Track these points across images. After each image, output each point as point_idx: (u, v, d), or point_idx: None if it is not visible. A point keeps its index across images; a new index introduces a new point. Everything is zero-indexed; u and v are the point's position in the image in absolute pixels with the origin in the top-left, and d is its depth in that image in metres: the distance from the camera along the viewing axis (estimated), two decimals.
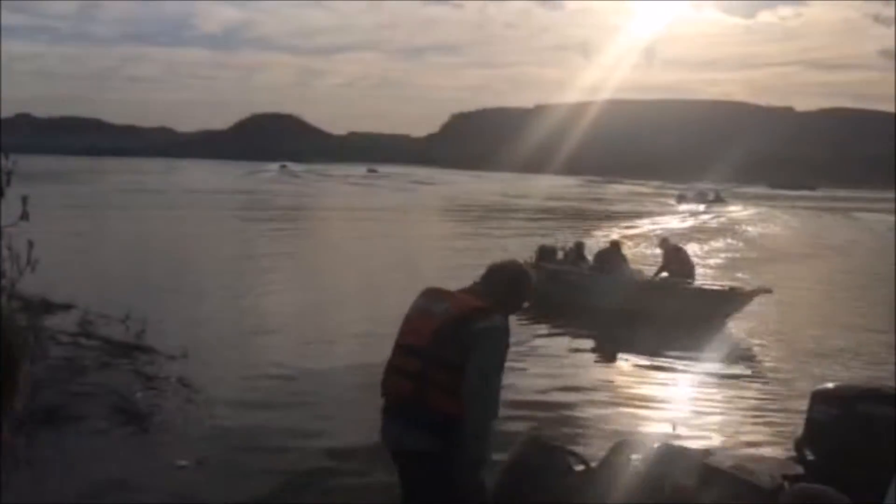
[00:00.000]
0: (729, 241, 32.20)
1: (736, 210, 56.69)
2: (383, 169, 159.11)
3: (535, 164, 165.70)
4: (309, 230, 31.10)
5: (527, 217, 40.66)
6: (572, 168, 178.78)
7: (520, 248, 18.65)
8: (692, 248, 27.30)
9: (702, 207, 57.48)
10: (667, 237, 15.92)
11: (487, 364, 3.12)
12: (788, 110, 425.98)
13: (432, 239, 28.60)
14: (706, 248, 28.48)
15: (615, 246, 15.49)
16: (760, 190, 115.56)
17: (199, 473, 6.22)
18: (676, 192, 75.83)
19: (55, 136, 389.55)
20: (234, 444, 6.96)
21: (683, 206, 59.39)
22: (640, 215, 47.06)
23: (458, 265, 19.74)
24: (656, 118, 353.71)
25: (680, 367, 10.82)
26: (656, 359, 11.11)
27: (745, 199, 77.96)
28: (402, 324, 3.39)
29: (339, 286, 16.80)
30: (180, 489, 5.99)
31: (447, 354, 3.11)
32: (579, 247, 16.24)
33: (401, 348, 3.32)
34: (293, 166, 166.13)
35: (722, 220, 45.86)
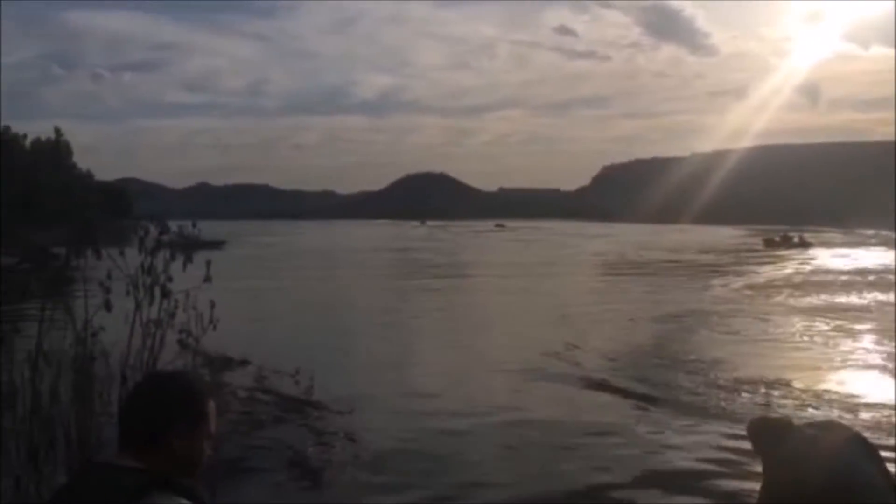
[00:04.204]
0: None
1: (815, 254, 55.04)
2: (526, 224, 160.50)
3: (692, 214, 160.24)
4: (460, 287, 31.51)
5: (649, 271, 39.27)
6: (737, 217, 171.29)
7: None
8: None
9: (792, 252, 57.96)
10: None
11: None
12: None
13: (584, 295, 28.11)
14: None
15: None
16: None
17: None
18: (763, 238, 75.31)
19: (230, 202, 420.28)
20: (400, 499, 7.03)
21: (779, 251, 60.22)
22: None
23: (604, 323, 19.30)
24: (826, 161, 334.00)
25: None
26: None
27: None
28: None
29: (500, 344, 16.77)
30: None
31: None
32: None
33: None
34: (435, 223, 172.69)
35: (795, 264, 42.98)
